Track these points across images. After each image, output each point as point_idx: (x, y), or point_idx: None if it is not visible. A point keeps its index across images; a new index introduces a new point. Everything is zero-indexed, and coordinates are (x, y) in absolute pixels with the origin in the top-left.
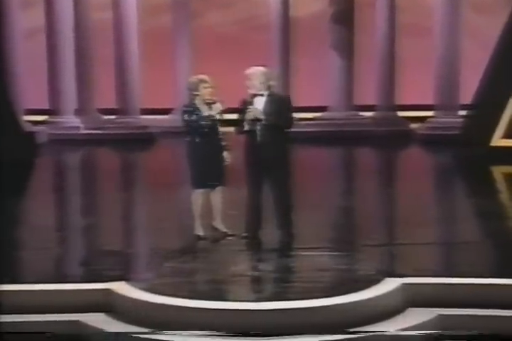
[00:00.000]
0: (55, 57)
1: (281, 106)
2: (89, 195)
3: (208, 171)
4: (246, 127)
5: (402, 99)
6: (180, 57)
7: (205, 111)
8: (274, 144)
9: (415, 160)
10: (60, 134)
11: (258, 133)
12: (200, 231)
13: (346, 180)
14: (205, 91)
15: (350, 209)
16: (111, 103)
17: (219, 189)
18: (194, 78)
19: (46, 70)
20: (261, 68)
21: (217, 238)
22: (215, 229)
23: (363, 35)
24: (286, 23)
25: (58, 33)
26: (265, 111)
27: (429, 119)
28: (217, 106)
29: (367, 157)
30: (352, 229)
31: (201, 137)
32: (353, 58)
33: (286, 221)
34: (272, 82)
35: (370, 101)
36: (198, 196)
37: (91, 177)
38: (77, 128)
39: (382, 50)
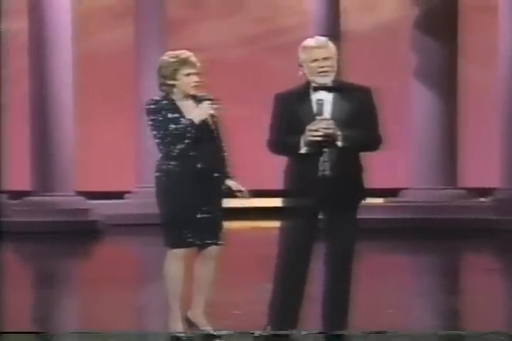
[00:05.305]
0: None
1: (361, 109)
2: None
3: (194, 215)
4: (304, 149)
5: None
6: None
7: (190, 114)
8: (349, 178)
9: None
10: None
11: (324, 159)
12: (179, 328)
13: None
14: (188, 81)
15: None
16: (21, 181)
17: (212, 250)
18: (170, 56)
19: None
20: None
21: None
22: (191, 324)
23: (472, 60)
24: (335, 40)
25: None
26: (339, 121)
27: None
28: (205, 106)
29: (484, 255)
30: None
31: (183, 154)
32: (456, 99)
33: (343, 311)
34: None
35: (485, 180)
36: (177, 262)
37: None
38: None
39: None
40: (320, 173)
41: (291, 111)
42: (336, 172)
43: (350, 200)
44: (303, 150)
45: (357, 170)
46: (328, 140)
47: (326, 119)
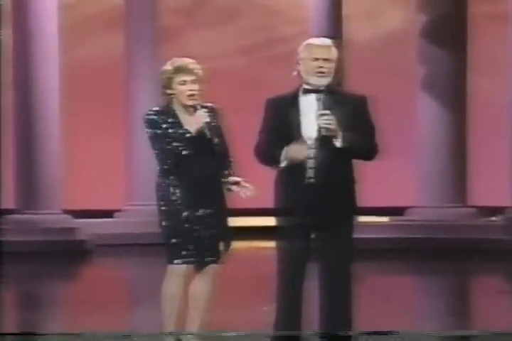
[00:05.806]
0: None
1: (353, 115)
2: None
3: (196, 231)
4: (284, 163)
5: None
6: (139, 114)
7: (188, 123)
8: (336, 188)
9: None
10: None
11: (309, 165)
12: None
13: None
14: (183, 89)
15: None
16: (4, 199)
17: (210, 268)
18: (168, 65)
19: None
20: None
21: None
22: None
23: (481, 69)
24: (337, 48)
25: None
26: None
27: None
28: (200, 115)
29: (495, 276)
30: None
31: (182, 167)
32: (465, 110)
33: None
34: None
35: (495, 198)
36: (177, 279)
37: None
38: None
39: None
40: (306, 181)
41: (281, 113)
42: (322, 180)
43: (337, 213)
44: (283, 163)
45: (347, 180)
46: (330, 135)
47: (326, 114)
